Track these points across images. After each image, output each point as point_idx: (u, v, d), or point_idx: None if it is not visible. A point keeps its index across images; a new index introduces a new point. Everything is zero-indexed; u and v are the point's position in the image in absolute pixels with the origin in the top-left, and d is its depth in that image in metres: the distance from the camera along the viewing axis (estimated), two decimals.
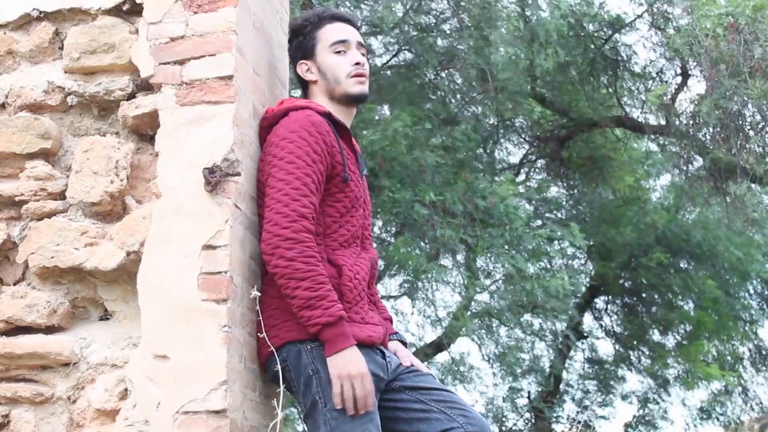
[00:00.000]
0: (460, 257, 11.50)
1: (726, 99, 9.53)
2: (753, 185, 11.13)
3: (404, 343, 3.37)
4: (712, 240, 12.20)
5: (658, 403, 15.17)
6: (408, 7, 10.53)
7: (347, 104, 3.28)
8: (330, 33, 3.29)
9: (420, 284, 11.98)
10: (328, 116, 3.15)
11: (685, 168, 11.66)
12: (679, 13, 10.58)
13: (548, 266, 11.97)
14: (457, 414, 3.08)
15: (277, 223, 2.93)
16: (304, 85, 3.35)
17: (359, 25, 3.47)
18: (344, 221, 3.14)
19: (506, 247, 9.90)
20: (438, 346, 13.18)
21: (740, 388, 14.90)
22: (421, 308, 13.26)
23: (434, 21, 10.88)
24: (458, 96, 11.64)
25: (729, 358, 14.68)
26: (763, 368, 14.73)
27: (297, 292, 2.89)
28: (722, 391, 15.06)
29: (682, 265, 13.24)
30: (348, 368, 2.88)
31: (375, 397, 3.00)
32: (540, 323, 13.94)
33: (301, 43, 3.34)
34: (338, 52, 3.26)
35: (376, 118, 10.65)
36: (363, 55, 3.32)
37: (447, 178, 10.16)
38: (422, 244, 10.18)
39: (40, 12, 3.32)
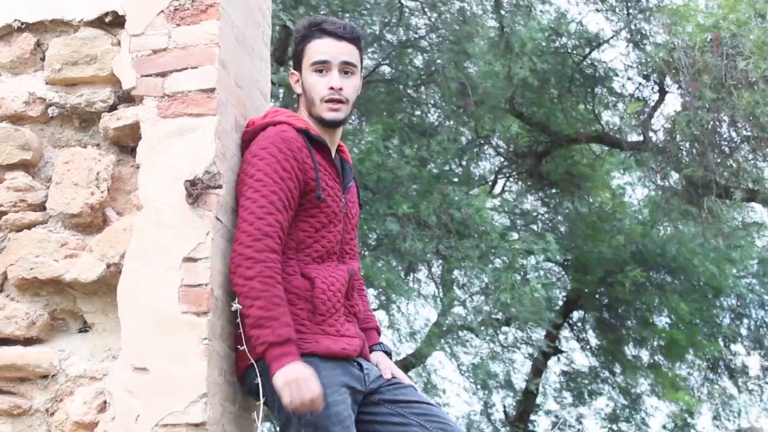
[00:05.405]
0: (435, 268, 11.52)
1: (705, 112, 9.61)
2: (728, 201, 11.20)
3: (388, 354, 3.35)
4: (687, 255, 12.26)
5: (631, 418, 15.22)
6: (386, 21, 10.56)
7: (323, 126, 3.21)
8: (313, 50, 3.20)
9: (394, 297, 11.98)
10: (305, 132, 3.12)
11: (661, 184, 11.73)
12: (657, 30, 10.67)
13: (525, 279, 11.99)
14: (437, 427, 3.07)
15: (241, 242, 2.94)
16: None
17: (356, 35, 3.27)
18: (319, 236, 3.12)
19: (480, 258, 9.89)
20: (411, 361, 13.18)
21: (712, 403, 14.99)
22: (395, 322, 13.28)
23: (414, 36, 10.92)
24: (436, 110, 11.68)
25: (700, 376, 14.76)
26: (735, 383, 14.81)
27: (251, 311, 2.88)
28: (694, 407, 15.15)
29: (657, 281, 13.30)
30: (293, 373, 2.83)
31: (352, 411, 3.00)
32: (515, 336, 13.98)
33: (294, 52, 3.30)
34: (319, 72, 3.19)
35: (351, 131, 10.67)
36: (350, 73, 3.22)
37: (422, 190, 10.18)
38: (395, 258, 10.17)
39: (22, 23, 3.31)
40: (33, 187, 3.19)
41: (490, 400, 14.70)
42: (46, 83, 3.26)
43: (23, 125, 3.25)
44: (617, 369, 14.86)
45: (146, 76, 3.12)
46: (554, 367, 15.40)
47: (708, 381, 14.85)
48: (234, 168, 3.13)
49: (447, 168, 11.65)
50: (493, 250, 9.98)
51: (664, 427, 15.46)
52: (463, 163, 12.41)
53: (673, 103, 12.05)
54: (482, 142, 12.77)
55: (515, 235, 11.76)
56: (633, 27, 11.14)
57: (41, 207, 3.18)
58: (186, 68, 3.09)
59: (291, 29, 8.77)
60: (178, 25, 3.13)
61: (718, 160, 10.28)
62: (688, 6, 10.36)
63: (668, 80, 10.99)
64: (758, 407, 14.96)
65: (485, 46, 10.32)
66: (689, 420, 15.43)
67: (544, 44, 10.60)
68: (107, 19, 3.24)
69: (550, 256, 11.79)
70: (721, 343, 14.25)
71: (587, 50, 11.49)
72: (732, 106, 9.32)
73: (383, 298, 11.94)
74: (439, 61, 10.59)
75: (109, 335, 3.07)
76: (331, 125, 3.22)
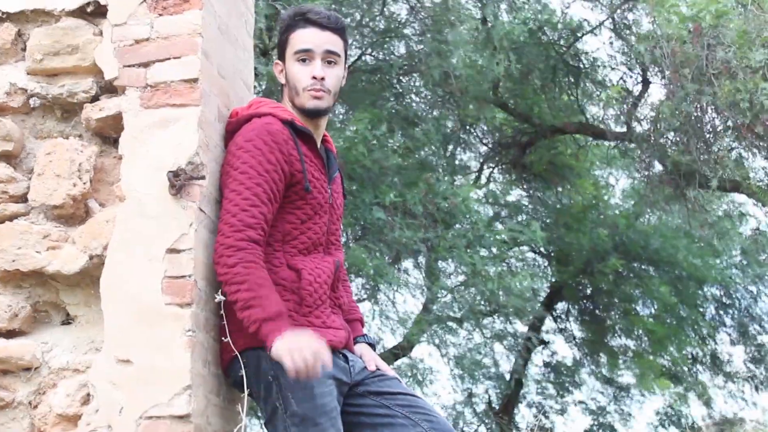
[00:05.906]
0: (421, 258, 11.52)
1: (688, 103, 9.63)
2: (712, 191, 11.22)
3: (372, 346, 3.35)
4: (670, 248, 12.30)
5: (617, 408, 15.29)
6: (367, 9, 10.53)
7: (306, 116, 3.20)
8: (297, 39, 3.19)
9: (381, 286, 11.98)
10: (290, 123, 3.11)
11: (645, 173, 11.75)
12: (641, 21, 10.69)
13: (509, 269, 12.02)
14: (422, 419, 3.08)
15: (223, 233, 2.94)
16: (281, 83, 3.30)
17: (340, 25, 3.26)
18: (305, 228, 3.11)
19: (467, 248, 9.91)
20: (398, 351, 13.19)
21: (697, 394, 15.05)
22: (381, 311, 13.28)
23: (395, 24, 10.90)
24: (420, 98, 11.67)
25: (684, 366, 14.82)
26: (720, 373, 14.88)
27: (237, 295, 2.88)
28: (678, 398, 15.21)
29: (639, 271, 13.35)
30: (293, 338, 2.80)
31: (338, 402, 3.00)
32: (501, 327, 14.01)
33: (278, 41, 3.29)
34: (302, 61, 3.17)
35: (337, 121, 10.65)
36: (333, 63, 3.20)
37: (408, 180, 10.18)
38: (382, 246, 10.17)
39: (3, 13, 3.27)
40: (15, 178, 3.16)
41: (475, 390, 14.73)
42: (28, 74, 3.23)
43: (4, 116, 3.23)
44: (601, 359, 14.91)
45: (128, 66, 3.10)
46: (538, 357, 15.44)
47: (691, 372, 14.91)
48: (217, 159, 3.11)
49: (432, 157, 11.65)
50: (481, 240, 10.00)
51: (650, 419, 15.53)
52: (448, 153, 12.41)
53: (656, 93, 12.10)
54: (467, 129, 12.76)
55: (500, 226, 11.77)
56: (616, 17, 11.16)
57: (23, 198, 3.15)
58: (168, 58, 3.07)
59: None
60: (160, 14, 3.11)
61: (704, 148, 10.30)
62: None
63: (652, 69, 11.00)
64: (741, 397, 15.04)
65: (467, 36, 10.30)
66: (673, 410, 15.48)
67: (526, 38, 10.57)
68: (89, 9, 3.21)
69: (535, 246, 11.82)
70: (705, 331, 14.31)
71: (571, 40, 11.49)
72: (714, 96, 9.34)
73: (369, 287, 11.95)
74: (422, 47, 10.56)
75: (92, 327, 3.05)
76: (313, 114, 3.20)
